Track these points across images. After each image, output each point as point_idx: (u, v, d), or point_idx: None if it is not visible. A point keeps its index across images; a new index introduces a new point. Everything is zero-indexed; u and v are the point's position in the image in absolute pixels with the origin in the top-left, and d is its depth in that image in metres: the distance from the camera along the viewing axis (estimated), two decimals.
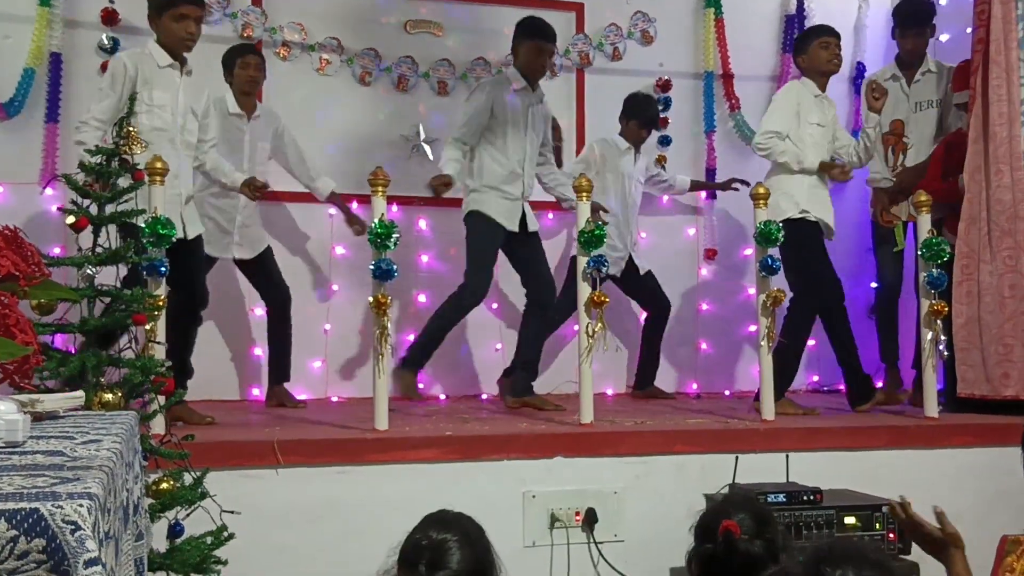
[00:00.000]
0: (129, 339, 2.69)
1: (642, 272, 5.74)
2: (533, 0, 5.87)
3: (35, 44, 5.31)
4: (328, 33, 5.82)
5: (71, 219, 2.59)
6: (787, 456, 3.77)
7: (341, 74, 5.86)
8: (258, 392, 5.37)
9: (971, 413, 4.44)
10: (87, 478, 1.04)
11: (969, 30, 4.85)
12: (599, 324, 3.94)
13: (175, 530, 2.65)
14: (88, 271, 2.59)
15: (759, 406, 4.23)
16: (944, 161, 4.90)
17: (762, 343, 4.15)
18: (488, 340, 5.85)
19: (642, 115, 5.70)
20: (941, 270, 4.27)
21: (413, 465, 3.51)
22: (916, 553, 2.66)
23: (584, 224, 4.00)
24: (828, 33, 4.90)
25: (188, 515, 2.69)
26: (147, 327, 2.99)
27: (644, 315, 5.83)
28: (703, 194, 6.29)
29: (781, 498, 3.42)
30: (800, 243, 4.55)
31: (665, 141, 6.27)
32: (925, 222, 4.34)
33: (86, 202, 2.65)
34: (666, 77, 6.28)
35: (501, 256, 4.98)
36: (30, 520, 0.90)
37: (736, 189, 5.84)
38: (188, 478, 2.67)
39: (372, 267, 3.78)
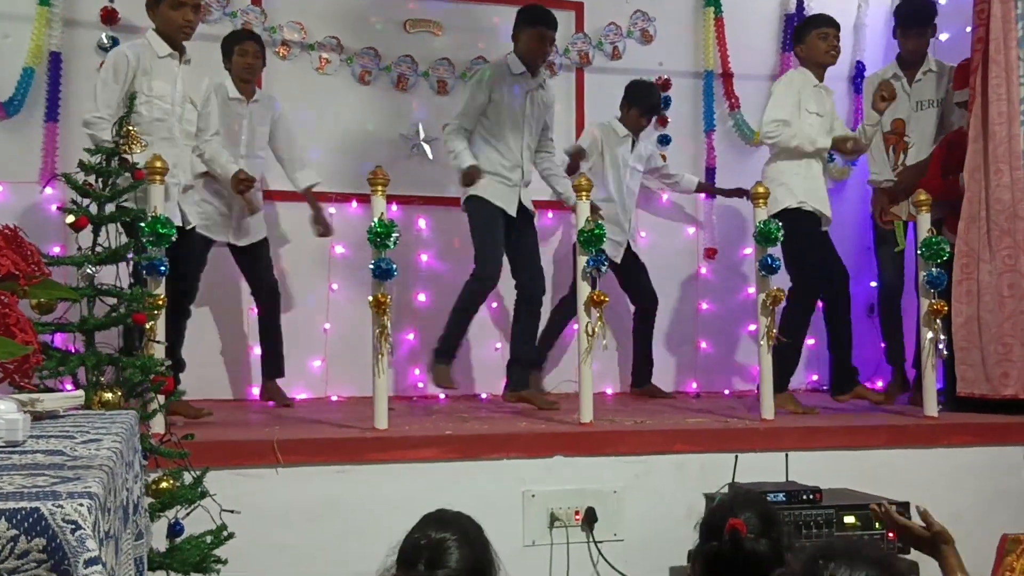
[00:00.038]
0: (130, 339, 2.69)
1: (640, 260, 5.72)
2: None
3: (35, 43, 5.30)
4: (327, 32, 5.82)
5: (71, 218, 2.59)
6: (787, 455, 3.77)
7: (340, 73, 5.86)
8: (257, 391, 5.37)
9: (971, 412, 4.44)
10: (87, 477, 1.04)
11: (969, 29, 4.85)
12: (599, 323, 3.95)
13: (175, 529, 2.65)
14: (88, 270, 2.59)
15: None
16: (945, 160, 4.90)
17: (762, 342, 4.15)
18: (488, 339, 5.85)
19: (643, 103, 5.66)
20: (941, 269, 4.27)
21: (413, 464, 3.51)
22: (916, 552, 2.66)
23: (584, 223, 4.00)
24: (827, 23, 4.90)
25: (188, 514, 2.69)
26: (146, 326, 2.98)
27: (633, 310, 5.77)
28: (703, 193, 6.28)
29: (781, 497, 3.42)
30: (798, 233, 4.56)
31: (665, 140, 6.27)
32: (925, 221, 4.34)
33: (86, 201, 2.65)
34: (666, 76, 6.28)
35: None
36: (30, 519, 0.90)
37: (742, 197, 5.78)
38: (188, 477, 2.68)
39: (372, 266, 3.78)
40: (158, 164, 3.58)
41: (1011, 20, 4.56)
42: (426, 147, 5.89)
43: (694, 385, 6.17)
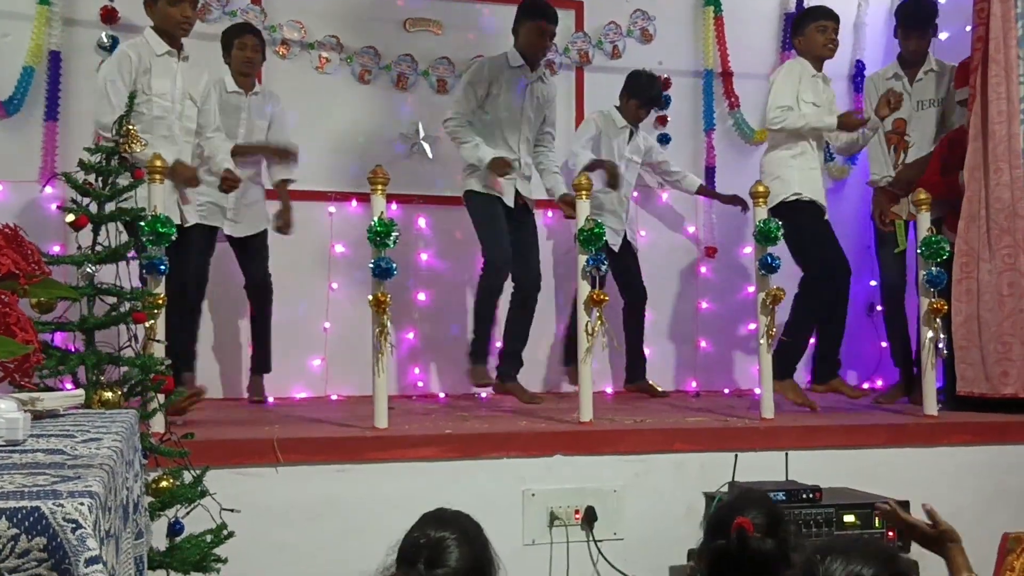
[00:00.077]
0: (129, 337, 2.69)
1: (636, 251, 5.72)
2: None
3: (34, 42, 5.30)
4: (327, 31, 5.82)
5: (71, 217, 2.59)
6: (786, 454, 3.77)
7: (340, 72, 5.86)
8: None
9: (970, 411, 4.43)
10: (88, 476, 1.04)
11: (968, 28, 4.85)
12: (599, 322, 3.95)
13: (175, 528, 2.65)
14: (88, 269, 2.59)
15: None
16: (945, 158, 4.90)
17: (761, 341, 4.15)
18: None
19: (643, 94, 5.62)
20: (940, 268, 4.27)
21: (413, 463, 3.51)
22: (916, 550, 2.66)
23: (584, 223, 4.00)
24: (826, 16, 4.90)
25: (188, 513, 2.69)
26: (147, 325, 2.98)
27: (622, 304, 5.67)
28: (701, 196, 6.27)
29: (781, 496, 3.42)
30: (800, 224, 4.58)
31: (664, 139, 6.27)
32: (925, 220, 4.34)
33: (86, 200, 2.65)
34: (665, 75, 6.27)
35: None
36: (31, 518, 0.91)
37: (738, 206, 5.78)
38: (188, 476, 2.68)
39: (371, 265, 3.77)
40: (158, 163, 3.59)
41: (1011, 19, 4.56)
42: (426, 146, 5.89)
43: (694, 384, 6.17)
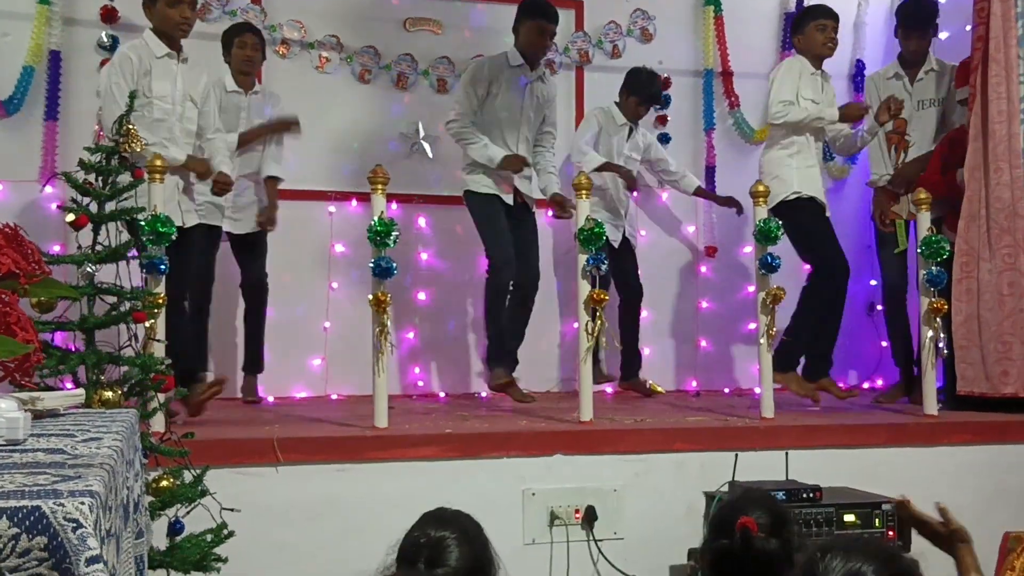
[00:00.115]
0: (129, 336, 2.69)
1: (634, 249, 5.71)
2: None
3: (34, 42, 5.30)
4: (327, 31, 5.82)
5: (71, 217, 2.59)
6: (787, 454, 3.77)
7: (340, 72, 5.86)
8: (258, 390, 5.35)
9: (970, 411, 4.43)
10: (88, 476, 1.04)
11: (969, 28, 4.85)
12: (599, 322, 3.95)
13: (175, 528, 2.65)
14: (88, 269, 2.59)
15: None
16: (946, 157, 4.90)
17: (761, 341, 4.15)
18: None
19: (643, 92, 5.61)
20: (940, 268, 4.27)
21: (413, 463, 3.51)
22: (916, 549, 2.66)
23: (584, 222, 4.00)
24: (825, 15, 4.91)
25: (188, 513, 2.69)
26: (147, 324, 2.98)
27: (618, 301, 5.64)
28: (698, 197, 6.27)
29: (781, 496, 3.41)
30: (801, 222, 4.59)
31: (665, 139, 6.26)
32: (925, 220, 4.35)
33: (86, 200, 2.65)
34: (665, 75, 6.27)
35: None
36: (32, 518, 0.91)
37: (733, 208, 5.80)
38: (188, 476, 2.68)
39: (372, 265, 3.78)
40: (158, 163, 3.60)
41: (1011, 18, 4.56)
42: (426, 146, 5.89)
43: (694, 383, 6.17)
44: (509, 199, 4.93)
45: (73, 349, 2.56)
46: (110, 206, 2.68)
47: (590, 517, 3.58)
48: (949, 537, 2.46)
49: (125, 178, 2.81)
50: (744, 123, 6.38)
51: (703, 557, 2.55)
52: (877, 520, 3.42)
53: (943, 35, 5.64)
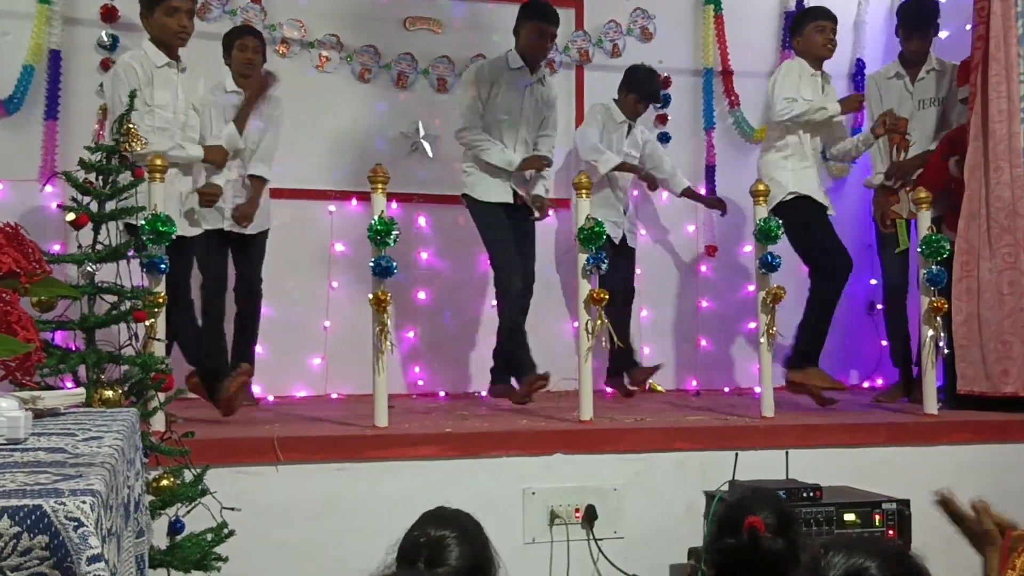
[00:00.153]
0: (129, 336, 2.69)
1: (633, 248, 5.70)
2: None
3: (34, 41, 5.30)
4: (327, 30, 5.82)
5: (71, 216, 2.59)
6: (787, 453, 3.77)
7: (340, 71, 5.86)
8: (258, 390, 5.34)
9: (971, 410, 4.43)
10: (89, 475, 1.04)
11: (969, 27, 4.85)
12: (599, 321, 3.95)
13: (176, 527, 2.66)
14: (88, 268, 2.59)
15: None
16: (947, 156, 4.91)
17: (762, 340, 4.15)
18: (488, 337, 5.84)
19: (642, 89, 5.59)
20: (941, 267, 4.27)
21: (413, 462, 3.51)
22: (915, 549, 2.65)
23: (583, 221, 4.00)
24: (824, 16, 4.93)
25: (188, 512, 2.69)
26: (147, 324, 2.98)
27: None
28: (703, 191, 6.27)
29: (781, 495, 3.41)
30: (800, 222, 4.59)
31: (664, 138, 6.27)
32: (925, 219, 4.35)
33: (86, 199, 2.65)
34: (665, 74, 6.27)
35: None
36: (33, 517, 0.91)
37: (717, 208, 5.80)
38: (188, 475, 2.68)
39: (372, 264, 3.78)
40: (158, 162, 3.61)
41: (1011, 18, 4.56)
42: (426, 145, 5.89)
43: (694, 383, 6.17)
44: (510, 197, 4.92)
45: (73, 348, 2.56)
46: (110, 205, 2.68)
47: (590, 516, 3.58)
48: (982, 537, 2.45)
49: (126, 177, 2.81)
50: (744, 122, 6.38)
51: (708, 555, 2.54)
52: (877, 519, 3.42)
53: (943, 34, 5.64)
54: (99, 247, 2.63)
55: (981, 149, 4.57)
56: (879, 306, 5.70)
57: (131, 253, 2.76)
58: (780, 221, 4.24)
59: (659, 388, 5.73)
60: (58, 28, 5.35)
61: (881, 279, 5.50)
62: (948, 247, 4.31)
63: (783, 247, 4.43)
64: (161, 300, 3.30)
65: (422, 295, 5.82)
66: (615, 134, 5.60)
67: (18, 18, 5.29)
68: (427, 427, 3.86)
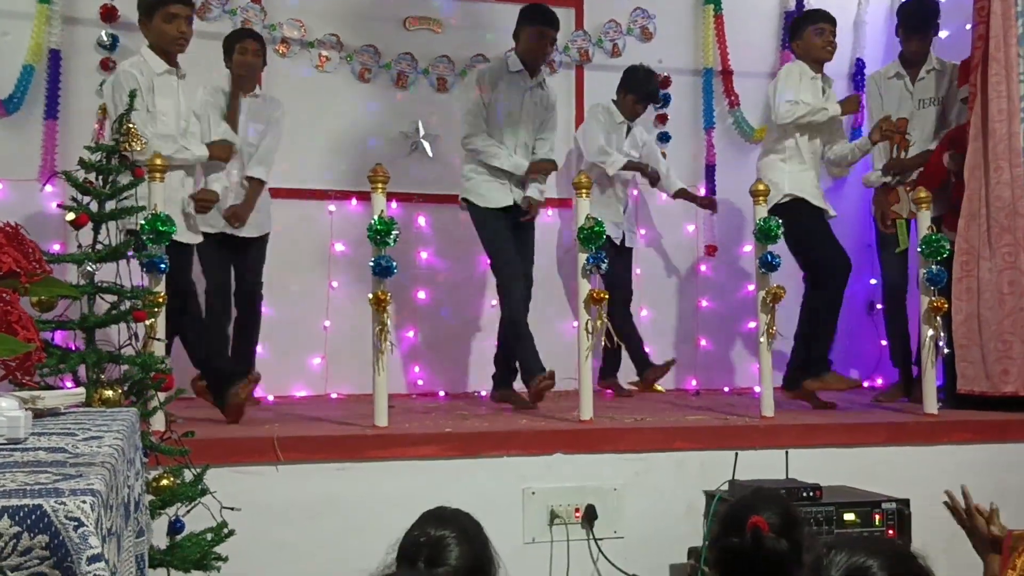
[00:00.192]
0: (129, 335, 2.69)
1: (631, 249, 5.70)
2: None
3: (34, 41, 5.30)
4: (327, 30, 5.82)
5: (71, 216, 2.59)
6: (787, 452, 3.77)
7: (340, 71, 5.86)
8: (258, 389, 5.33)
9: (971, 410, 4.43)
10: (90, 474, 1.04)
11: (969, 26, 4.85)
12: (599, 320, 3.95)
13: (175, 526, 2.65)
14: (88, 267, 2.59)
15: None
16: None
17: (761, 339, 4.15)
18: (488, 337, 5.84)
19: (640, 89, 5.60)
20: (940, 266, 4.27)
21: (413, 462, 3.51)
22: (915, 548, 2.65)
23: (583, 221, 4.00)
24: (823, 19, 4.93)
25: (188, 511, 2.69)
26: (147, 323, 2.98)
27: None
28: (703, 190, 6.27)
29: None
30: (795, 224, 4.58)
31: (664, 138, 6.27)
32: (925, 218, 4.35)
33: (86, 199, 2.65)
34: (665, 73, 6.27)
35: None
36: (33, 516, 0.91)
37: (707, 208, 5.79)
38: (188, 475, 2.68)
39: (372, 264, 3.78)
40: (158, 162, 3.61)
41: (1011, 17, 4.56)
42: (426, 144, 5.88)
43: (694, 382, 6.17)
44: (510, 201, 4.90)
45: (73, 348, 2.56)
46: (110, 205, 2.68)
47: (590, 516, 3.58)
48: (988, 541, 2.46)
49: (126, 176, 2.81)
50: (744, 122, 6.38)
51: (711, 554, 2.54)
52: (877, 519, 3.42)
53: (943, 34, 5.64)
54: (99, 247, 2.63)
55: (981, 149, 4.58)
56: (879, 306, 5.71)
57: (130, 253, 2.76)
58: (780, 220, 4.24)
59: (659, 388, 5.72)
60: (58, 28, 5.35)
61: (881, 279, 5.50)
62: (948, 247, 4.31)
63: (783, 247, 4.43)
64: (161, 300, 3.30)
65: (422, 295, 5.82)
66: (615, 135, 5.60)
67: (18, 18, 5.29)
68: (427, 427, 3.86)
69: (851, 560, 1.70)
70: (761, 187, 4.30)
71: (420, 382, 5.81)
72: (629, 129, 5.66)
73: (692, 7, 6.43)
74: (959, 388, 4.54)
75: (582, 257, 4.02)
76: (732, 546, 2.42)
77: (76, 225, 2.61)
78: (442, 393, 5.74)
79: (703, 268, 6.33)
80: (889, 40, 6.09)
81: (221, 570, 2.69)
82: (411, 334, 5.82)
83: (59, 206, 2.94)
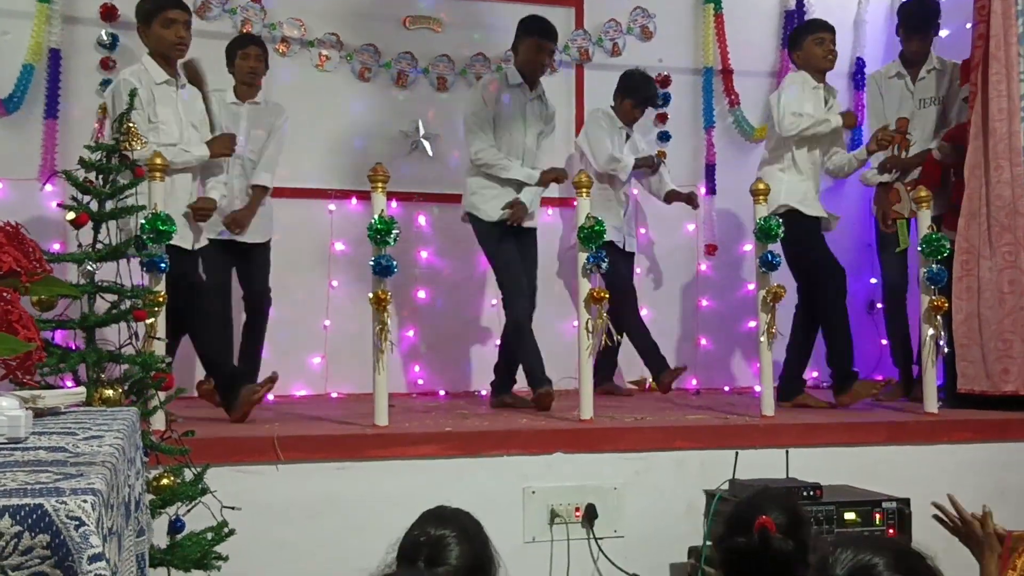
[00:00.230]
0: (129, 335, 2.69)
1: (630, 251, 5.69)
2: None
3: (34, 40, 5.30)
4: (327, 29, 5.82)
5: (71, 215, 2.59)
6: (787, 452, 3.77)
7: (340, 70, 5.86)
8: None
9: (971, 409, 4.43)
10: (90, 474, 1.04)
11: (969, 26, 4.85)
12: (599, 320, 3.95)
13: (176, 526, 2.65)
14: (88, 267, 2.59)
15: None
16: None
17: (762, 339, 4.15)
18: (488, 336, 5.85)
19: (637, 94, 5.59)
20: (941, 266, 4.27)
21: (413, 461, 3.51)
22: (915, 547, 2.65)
23: (584, 220, 4.00)
24: (822, 28, 4.93)
25: (189, 511, 2.69)
26: (147, 323, 2.98)
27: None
28: (703, 189, 6.28)
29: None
30: (789, 234, 4.56)
31: (664, 137, 6.27)
32: (925, 218, 4.35)
33: (86, 198, 2.65)
34: (665, 73, 6.28)
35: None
36: (34, 516, 0.91)
37: (688, 202, 5.79)
38: (189, 474, 2.68)
39: (372, 263, 3.78)
40: (158, 161, 3.61)
41: (1011, 16, 4.56)
42: (426, 144, 5.88)
43: (694, 382, 6.17)
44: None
45: (74, 347, 2.55)
46: (110, 204, 2.68)
47: (590, 515, 3.58)
48: (982, 541, 2.46)
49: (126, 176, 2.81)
50: (744, 121, 6.38)
51: (717, 554, 2.53)
52: (877, 518, 3.42)
53: (943, 33, 5.64)
54: (99, 246, 2.62)
55: (981, 148, 4.58)
56: (879, 305, 5.71)
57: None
58: (780, 220, 4.25)
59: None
60: (58, 27, 5.34)
61: (881, 278, 5.50)
62: (948, 246, 4.31)
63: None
64: (161, 299, 3.30)
65: (422, 294, 5.82)
66: (616, 140, 5.61)
67: (18, 17, 5.29)
68: (427, 426, 3.86)
69: (857, 558, 1.70)
70: (761, 186, 4.30)
71: (420, 381, 5.81)
72: (628, 136, 5.66)
73: (692, 6, 6.43)
74: (959, 387, 4.54)
75: (582, 256, 4.01)
76: (738, 546, 2.41)
77: (76, 224, 2.61)
78: (442, 392, 5.74)
79: (703, 267, 6.34)
80: (889, 39, 6.08)
81: (221, 569, 2.69)
82: (411, 333, 5.82)
83: (59, 205, 2.94)
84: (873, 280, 5.93)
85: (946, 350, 4.40)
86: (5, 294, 1.38)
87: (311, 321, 5.61)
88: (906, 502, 3.43)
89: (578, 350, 4.02)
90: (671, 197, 5.79)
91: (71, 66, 5.39)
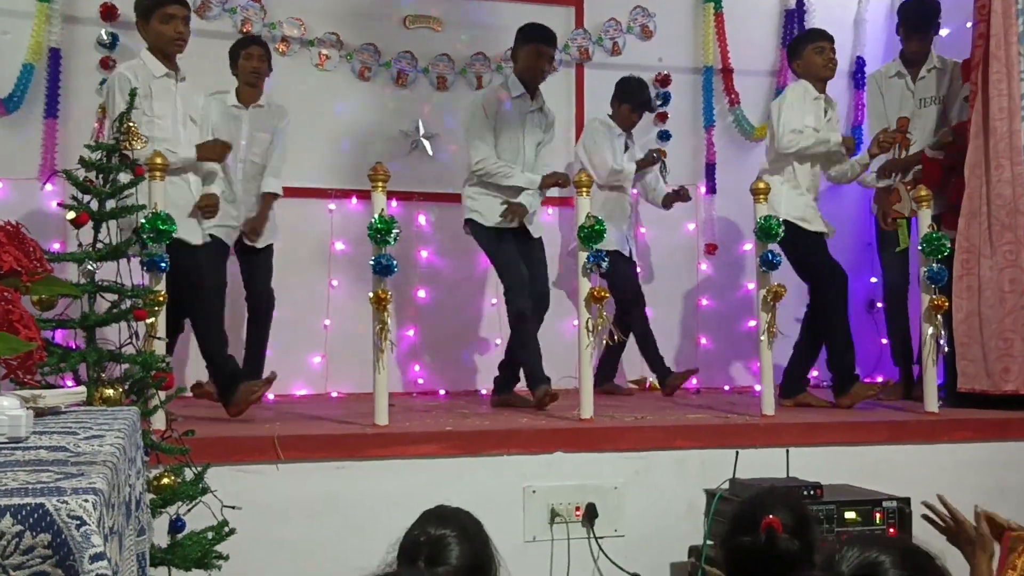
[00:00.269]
0: (130, 334, 2.68)
1: (633, 260, 5.69)
2: None
3: (34, 40, 5.30)
4: (327, 28, 5.82)
5: (72, 215, 2.59)
6: (787, 451, 3.77)
7: (340, 69, 5.86)
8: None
9: (971, 408, 4.43)
10: (91, 473, 1.04)
11: (969, 25, 4.85)
12: (600, 319, 3.95)
13: (176, 525, 2.65)
14: (89, 266, 2.59)
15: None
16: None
17: (762, 338, 4.15)
18: (488, 336, 5.85)
19: (634, 99, 5.60)
20: (941, 265, 4.27)
21: (413, 460, 3.51)
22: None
23: (584, 219, 4.00)
24: (822, 37, 4.92)
25: (189, 510, 2.69)
26: (147, 322, 2.98)
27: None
28: (703, 189, 6.28)
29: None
30: (787, 246, 4.55)
31: (665, 136, 6.27)
32: (925, 217, 4.35)
33: (86, 198, 2.65)
34: (665, 72, 6.28)
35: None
36: (36, 515, 0.91)
37: (681, 198, 5.78)
38: (189, 473, 2.68)
39: (372, 262, 3.78)
40: (158, 160, 3.61)
41: (1012, 16, 4.56)
42: (426, 143, 5.89)
43: (694, 381, 6.16)
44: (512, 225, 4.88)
45: (74, 347, 2.55)
46: (111, 204, 2.68)
47: (591, 514, 3.58)
48: (973, 541, 2.46)
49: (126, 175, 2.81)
50: (744, 120, 6.38)
51: (722, 553, 2.53)
52: (878, 517, 3.42)
53: (944, 32, 5.64)
54: (99, 245, 2.62)
55: (982, 147, 4.58)
56: (879, 304, 5.71)
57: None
58: (780, 219, 4.25)
59: (659, 387, 5.72)
60: (58, 26, 5.35)
61: (881, 278, 5.50)
62: (949, 245, 4.31)
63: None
64: (162, 299, 3.30)
65: (422, 293, 5.83)
66: (615, 148, 5.60)
67: (18, 16, 5.29)
68: (427, 425, 3.86)
69: (863, 556, 1.71)
70: (762, 185, 4.29)
71: (420, 381, 5.82)
72: (627, 147, 5.65)
73: (692, 5, 6.43)
74: (960, 386, 4.54)
75: (582, 256, 4.01)
76: (744, 545, 2.41)
77: (76, 224, 2.60)
78: (442, 391, 5.74)
79: (703, 266, 6.34)
80: (889, 38, 6.08)
81: (222, 568, 2.69)
82: (411, 333, 5.82)
83: (59, 205, 2.94)
84: (873, 279, 5.93)
85: (946, 349, 4.40)
86: (6, 293, 1.38)
87: (311, 320, 5.61)
88: (906, 501, 3.43)
89: (578, 350, 4.02)
90: (668, 200, 5.78)
91: (71, 66, 5.39)
